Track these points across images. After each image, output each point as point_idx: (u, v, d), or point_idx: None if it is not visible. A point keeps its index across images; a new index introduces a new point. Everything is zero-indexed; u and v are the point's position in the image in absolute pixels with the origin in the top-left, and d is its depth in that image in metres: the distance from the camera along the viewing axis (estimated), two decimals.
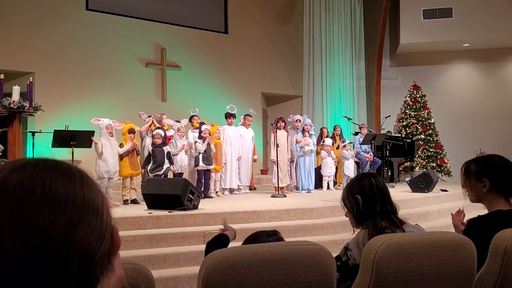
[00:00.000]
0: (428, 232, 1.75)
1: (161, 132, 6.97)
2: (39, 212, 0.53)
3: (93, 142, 6.30)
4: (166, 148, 6.95)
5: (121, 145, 6.51)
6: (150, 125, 7.43)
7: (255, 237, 1.93)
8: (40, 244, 0.52)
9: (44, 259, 0.53)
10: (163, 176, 6.80)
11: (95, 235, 0.57)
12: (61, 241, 0.54)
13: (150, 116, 7.58)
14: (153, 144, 6.88)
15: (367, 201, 2.12)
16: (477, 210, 2.37)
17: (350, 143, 10.00)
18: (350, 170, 9.06)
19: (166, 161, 6.84)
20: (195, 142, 7.43)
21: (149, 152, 6.91)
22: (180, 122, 7.68)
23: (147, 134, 7.26)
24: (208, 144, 7.42)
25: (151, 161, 6.81)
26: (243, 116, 8.64)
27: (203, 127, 7.49)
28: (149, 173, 6.80)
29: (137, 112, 8.08)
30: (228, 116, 8.34)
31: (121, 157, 6.47)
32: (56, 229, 0.54)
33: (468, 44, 12.45)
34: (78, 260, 0.55)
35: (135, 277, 1.12)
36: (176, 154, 7.16)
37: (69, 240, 0.54)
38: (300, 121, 8.65)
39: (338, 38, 12.85)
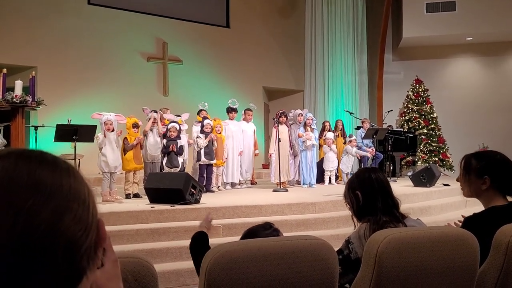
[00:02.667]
0: (430, 227, 1.75)
1: (176, 125, 6.99)
2: (24, 200, 0.53)
3: (95, 137, 6.29)
4: (180, 142, 6.96)
5: (125, 140, 6.49)
6: (152, 123, 7.38)
7: (253, 232, 1.93)
8: (24, 232, 0.52)
9: (29, 247, 0.52)
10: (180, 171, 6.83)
11: (81, 225, 0.57)
12: (46, 230, 0.53)
13: (152, 111, 7.52)
14: (167, 137, 6.88)
15: (366, 197, 2.13)
16: (478, 206, 2.36)
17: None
18: (345, 165, 9.05)
19: (180, 157, 6.88)
20: (197, 137, 7.44)
21: (163, 145, 6.92)
22: (180, 116, 7.67)
23: (150, 130, 7.24)
24: (211, 140, 7.43)
25: (165, 155, 6.85)
26: (243, 111, 8.63)
27: (205, 121, 7.49)
28: (164, 168, 6.81)
29: (139, 106, 8.06)
30: (230, 110, 8.33)
31: (125, 151, 6.46)
32: (41, 218, 0.53)
33: (471, 38, 12.40)
34: (64, 250, 0.54)
35: (138, 271, 1.13)
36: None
37: (54, 230, 0.53)
38: (302, 115, 8.66)
39: (340, 32, 12.80)
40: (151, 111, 7.38)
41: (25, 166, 0.56)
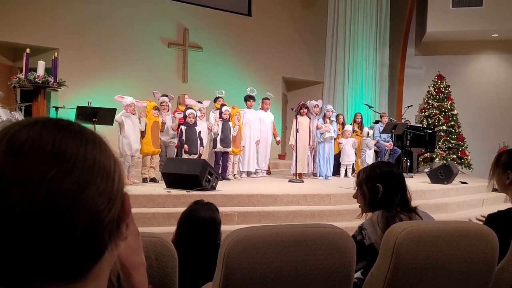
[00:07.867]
0: (450, 221, 1.74)
1: (194, 112, 7.04)
2: (47, 169, 0.52)
3: (114, 120, 6.37)
4: (198, 128, 7.00)
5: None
6: (165, 107, 7.32)
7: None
8: (46, 202, 0.51)
9: (49, 218, 0.51)
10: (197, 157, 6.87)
11: (104, 199, 0.56)
12: (67, 201, 0.52)
13: (163, 96, 7.46)
14: (186, 123, 6.92)
15: (387, 190, 2.13)
16: (498, 204, 2.34)
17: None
18: (371, 158, 9.01)
19: (199, 142, 6.93)
20: (214, 124, 7.47)
21: (180, 130, 6.97)
22: (202, 103, 7.70)
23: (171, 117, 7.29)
24: (229, 128, 7.43)
25: (183, 141, 6.90)
26: (261, 100, 8.62)
27: (224, 108, 7.51)
28: (183, 154, 6.85)
29: (159, 91, 8.09)
30: (248, 98, 8.31)
31: (142, 134, 6.54)
32: (63, 189, 0.52)
33: (497, 35, 12.13)
34: (85, 222, 0.53)
35: (160, 250, 1.15)
36: None
37: (76, 201, 0.53)
38: (318, 106, 8.60)
39: (363, 25, 12.63)
40: (162, 95, 7.36)
41: (50, 135, 0.55)
